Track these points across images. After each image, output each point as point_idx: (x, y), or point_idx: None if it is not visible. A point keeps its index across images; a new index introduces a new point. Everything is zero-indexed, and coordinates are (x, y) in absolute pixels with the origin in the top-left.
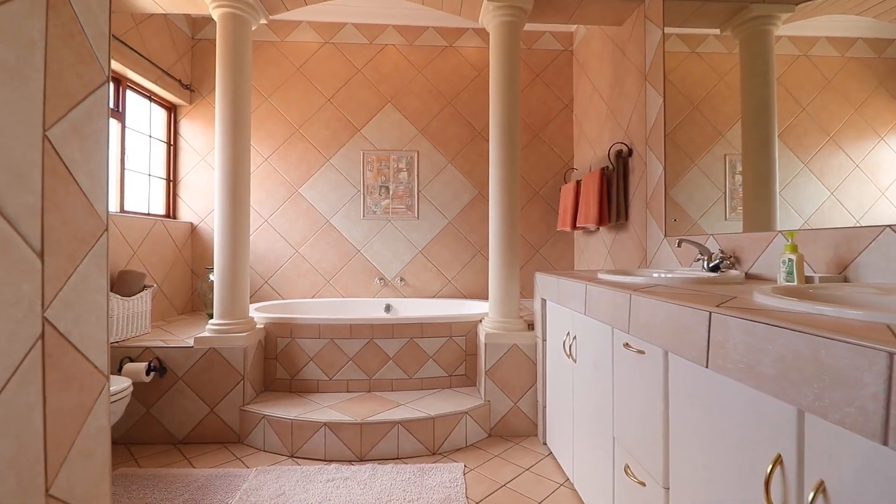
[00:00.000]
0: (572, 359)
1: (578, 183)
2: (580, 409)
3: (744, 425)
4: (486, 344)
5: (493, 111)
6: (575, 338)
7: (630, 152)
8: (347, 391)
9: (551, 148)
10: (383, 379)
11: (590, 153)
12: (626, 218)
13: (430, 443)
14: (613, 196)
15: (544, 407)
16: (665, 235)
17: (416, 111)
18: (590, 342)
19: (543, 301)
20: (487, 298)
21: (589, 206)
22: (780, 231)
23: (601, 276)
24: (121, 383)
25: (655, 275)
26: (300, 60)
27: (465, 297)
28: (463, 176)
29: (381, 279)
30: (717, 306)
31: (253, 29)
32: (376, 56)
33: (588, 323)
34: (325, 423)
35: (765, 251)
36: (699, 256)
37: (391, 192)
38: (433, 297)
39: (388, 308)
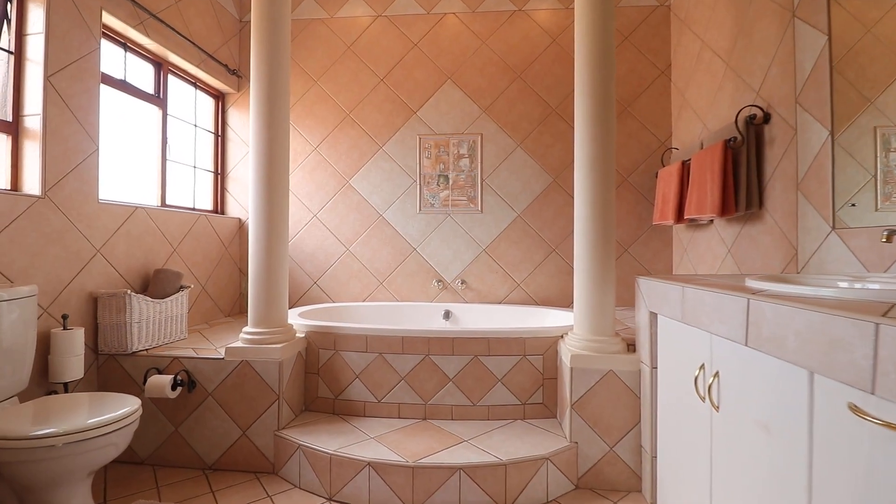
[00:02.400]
0: (711, 403)
1: (685, 164)
2: (727, 481)
3: None
4: (571, 368)
5: (579, 73)
6: (717, 375)
7: (767, 118)
8: (399, 416)
9: (643, 125)
10: (441, 405)
11: (697, 127)
12: (760, 205)
13: (501, 496)
14: (741, 176)
15: (654, 457)
16: (833, 227)
17: (479, 88)
18: (752, 387)
19: (653, 315)
20: (563, 306)
21: (704, 192)
22: None
23: (752, 283)
24: (127, 405)
25: (843, 284)
26: (351, 38)
27: (536, 303)
28: (535, 161)
29: (439, 281)
30: None
31: None
32: (434, 27)
33: (747, 356)
34: (368, 463)
35: None
36: None
37: (451, 182)
38: (499, 302)
39: (447, 315)
